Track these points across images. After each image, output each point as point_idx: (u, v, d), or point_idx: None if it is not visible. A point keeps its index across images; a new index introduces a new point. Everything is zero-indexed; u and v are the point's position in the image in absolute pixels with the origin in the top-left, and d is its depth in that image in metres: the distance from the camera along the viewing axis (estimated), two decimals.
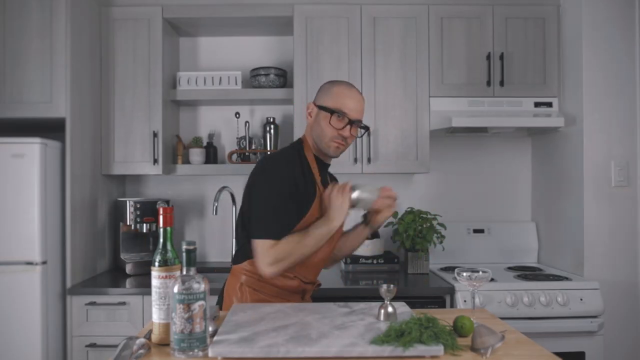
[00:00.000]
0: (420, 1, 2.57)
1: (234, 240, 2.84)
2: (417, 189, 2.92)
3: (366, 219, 1.75)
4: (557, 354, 1.21)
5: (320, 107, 1.63)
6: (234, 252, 2.80)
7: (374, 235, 2.65)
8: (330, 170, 1.85)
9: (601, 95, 2.38)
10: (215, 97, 2.64)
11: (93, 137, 2.47)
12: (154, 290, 1.23)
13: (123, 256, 2.57)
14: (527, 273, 2.46)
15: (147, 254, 2.64)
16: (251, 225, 1.56)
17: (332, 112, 1.60)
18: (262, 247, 1.51)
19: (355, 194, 1.58)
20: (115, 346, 1.16)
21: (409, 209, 2.60)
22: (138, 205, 2.53)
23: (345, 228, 1.73)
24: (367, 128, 1.69)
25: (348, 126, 1.61)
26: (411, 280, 2.38)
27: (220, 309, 1.64)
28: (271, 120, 2.79)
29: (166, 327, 1.21)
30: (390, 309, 1.33)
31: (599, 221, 2.37)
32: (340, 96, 1.62)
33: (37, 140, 2.12)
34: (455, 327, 1.27)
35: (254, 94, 2.64)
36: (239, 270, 1.63)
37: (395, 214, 2.64)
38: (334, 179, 1.86)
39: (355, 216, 1.78)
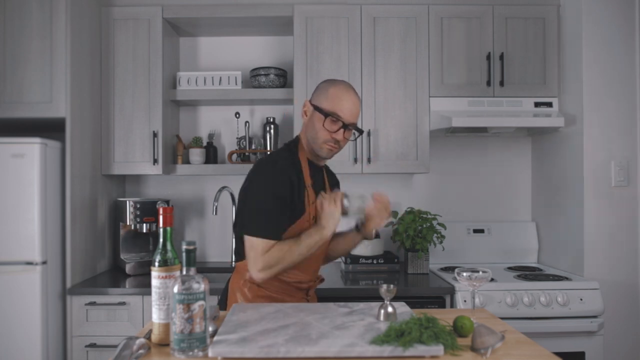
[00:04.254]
0: (420, 1, 2.57)
1: (234, 239, 2.84)
2: (417, 189, 2.92)
3: (359, 227, 1.75)
4: (557, 354, 1.21)
5: (316, 108, 1.61)
6: (234, 249, 2.81)
7: (375, 235, 2.65)
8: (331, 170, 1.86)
9: (601, 95, 2.38)
10: (215, 97, 2.64)
11: (93, 137, 2.47)
12: (153, 290, 1.23)
13: (123, 256, 2.57)
14: (527, 273, 2.46)
15: (147, 254, 2.64)
16: (245, 223, 1.56)
17: (326, 115, 1.58)
18: (255, 247, 1.51)
19: (346, 202, 1.58)
20: (115, 346, 1.17)
21: (409, 209, 2.60)
22: (138, 205, 2.53)
23: (338, 230, 1.72)
24: (361, 131, 1.66)
25: (342, 130, 1.60)
26: (411, 280, 2.38)
27: (225, 305, 1.66)
28: (271, 120, 2.79)
29: (166, 327, 1.21)
30: (390, 309, 1.33)
31: (599, 221, 2.37)
32: (337, 99, 1.59)
33: (37, 140, 2.12)
34: (455, 327, 1.27)
35: (254, 94, 2.64)
36: (243, 267, 1.64)
37: (395, 214, 2.64)
38: (334, 180, 1.86)
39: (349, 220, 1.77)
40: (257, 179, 1.60)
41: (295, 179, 1.58)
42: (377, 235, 2.64)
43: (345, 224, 1.72)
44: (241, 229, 1.57)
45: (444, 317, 1.36)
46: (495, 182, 2.94)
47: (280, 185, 1.55)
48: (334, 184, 1.86)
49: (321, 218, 1.56)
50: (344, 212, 1.59)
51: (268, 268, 1.51)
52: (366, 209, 1.62)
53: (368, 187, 2.82)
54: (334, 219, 1.56)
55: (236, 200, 2.83)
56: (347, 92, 1.61)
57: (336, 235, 1.78)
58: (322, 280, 1.79)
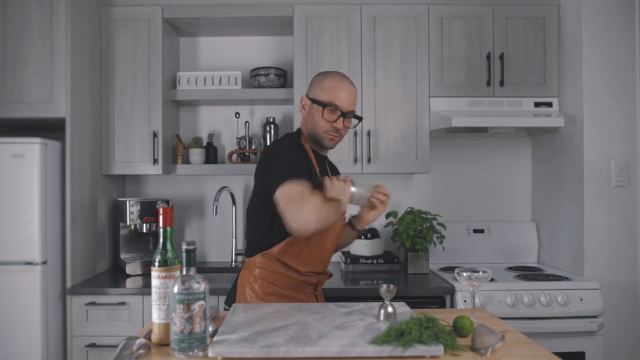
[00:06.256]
0: (420, 1, 2.57)
1: (234, 239, 2.84)
2: (417, 189, 2.92)
3: (352, 223, 1.76)
4: (557, 354, 1.21)
5: (313, 101, 1.65)
6: (234, 249, 2.81)
7: (374, 235, 2.65)
8: None
9: (601, 95, 2.38)
10: (215, 97, 2.64)
11: (93, 137, 2.47)
12: (153, 290, 1.23)
13: (123, 256, 2.57)
14: (527, 273, 2.46)
15: (147, 254, 2.64)
16: (271, 183, 1.52)
17: (324, 105, 1.62)
18: (286, 199, 1.46)
19: (352, 188, 1.57)
20: (115, 346, 1.17)
21: (409, 209, 2.60)
22: (138, 205, 2.53)
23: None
24: (360, 118, 1.71)
25: (341, 118, 1.63)
26: (411, 280, 2.38)
27: (234, 301, 1.66)
28: (271, 120, 2.79)
29: (166, 327, 1.21)
30: (390, 309, 1.33)
31: (598, 221, 2.37)
32: (332, 89, 1.63)
33: (37, 140, 2.12)
34: (455, 327, 1.27)
35: (254, 94, 2.64)
36: (252, 263, 1.65)
37: (395, 214, 2.64)
38: (335, 169, 1.88)
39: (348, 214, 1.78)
40: (270, 154, 1.59)
41: (304, 161, 1.61)
42: (377, 235, 2.65)
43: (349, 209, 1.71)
44: (268, 189, 1.53)
45: (444, 317, 1.36)
46: (495, 182, 2.94)
47: (299, 153, 1.60)
48: (336, 174, 1.89)
49: (332, 194, 1.51)
50: (349, 199, 1.57)
51: (306, 221, 1.44)
52: (370, 197, 1.59)
53: None
54: (344, 192, 1.51)
55: (236, 201, 2.84)
56: (342, 82, 1.65)
57: None
58: (330, 275, 1.80)
